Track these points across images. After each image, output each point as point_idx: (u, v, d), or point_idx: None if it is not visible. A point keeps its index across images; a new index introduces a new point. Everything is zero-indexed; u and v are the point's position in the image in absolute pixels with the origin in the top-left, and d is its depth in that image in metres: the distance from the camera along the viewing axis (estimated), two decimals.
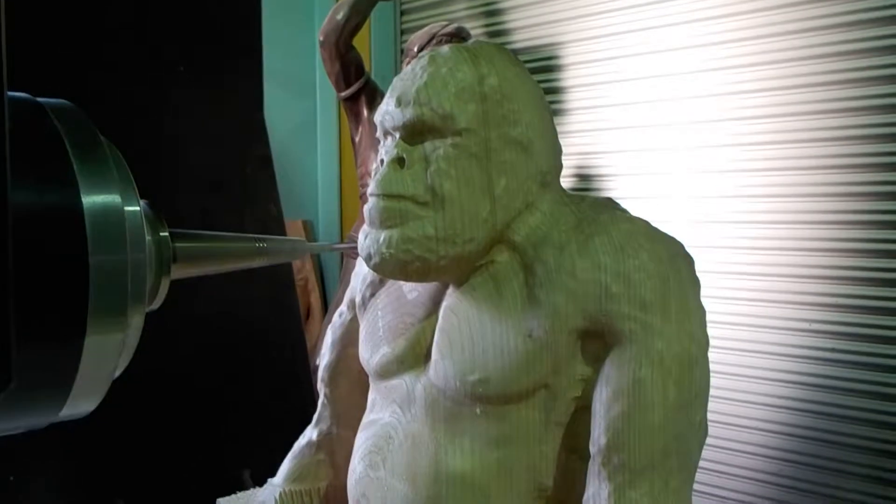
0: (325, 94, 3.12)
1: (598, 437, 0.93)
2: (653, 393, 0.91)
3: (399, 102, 1.00)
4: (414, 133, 1.00)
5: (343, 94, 2.71)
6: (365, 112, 2.72)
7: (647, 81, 2.40)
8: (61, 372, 0.49)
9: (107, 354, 0.51)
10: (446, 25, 2.63)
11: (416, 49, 2.64)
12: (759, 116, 2.19)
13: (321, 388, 1.24)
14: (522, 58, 2.38)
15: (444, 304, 1.04)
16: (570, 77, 2.60)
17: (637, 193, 2.42)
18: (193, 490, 2.06)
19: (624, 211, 1.04)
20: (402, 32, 3.12)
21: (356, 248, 1.02)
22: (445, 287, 1.06)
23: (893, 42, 1.98)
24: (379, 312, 1.11)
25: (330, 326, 1.24)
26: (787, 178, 2.15)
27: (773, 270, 2.18)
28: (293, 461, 1.24)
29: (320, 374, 1.23)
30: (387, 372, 1.07)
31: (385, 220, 0.98)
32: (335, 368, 1.22)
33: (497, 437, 0.98)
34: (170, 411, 2.04)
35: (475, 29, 2.80)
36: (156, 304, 0.62)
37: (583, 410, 0.98)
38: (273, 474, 1.35)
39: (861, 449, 2.07)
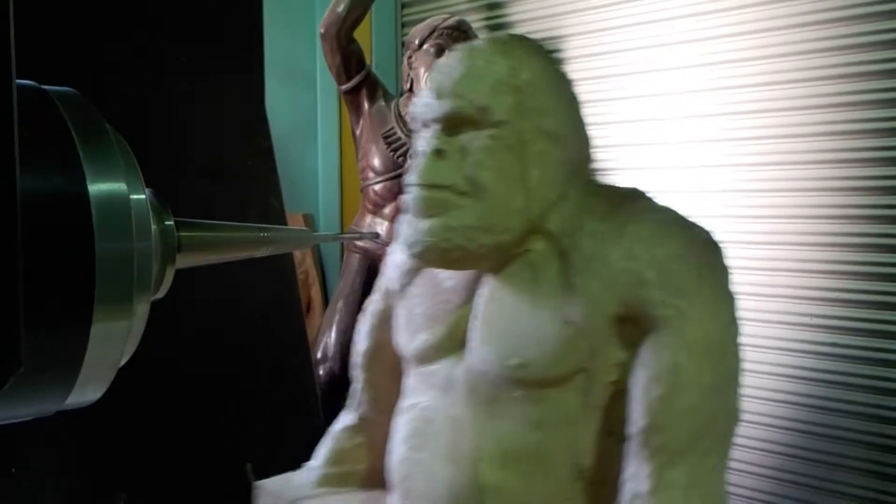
0: (326, 86, 3.11)
1: (636, 419, 0.96)
2: (689, 376, 0.94)
3: (437, 95, 1.03)
4: (452, 125, 1.03)
5: (344, 86, 2.70)
6: (366, 105, 2.72)
7: (647, 76, 2.42)
8: (68, 359, 0.50)
9: (113, 342, 0.51)
10: (447, 18, 2.63)
11: (416, 42, 2.65)
12: (760, 111, 2.20)
13: (358, 373, 1.26)
14: None
15: (481, 292, 1.07)
16: (571, 70, 2.62)
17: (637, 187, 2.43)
18: (195, 483, 2.06)
19: (653, 200, 1.07)
20: (403, 25, 3.11)
21: (360, 237, 1.06)
22: (481, 275, 1.08)
23: (892, 37, 2.00)
24: (415, 300, 1.13)
25: (364, 314, 1.26)
26: (787, 172, 2.17)
27: (772, 265, 2.20)
28: (331, 444, 1.26)
29: (356, 360, 1.25)
30: (425, 357, 1.09)
31: (426, 209, 1.01)
32: (371, 355, 1.25)
33: (537, 420, 1.01)
34: (172, 405, 2.03)
35: (476, 22, 2.80)
36: (161, 294, 0.62)
37: (619, 394, 1.01)
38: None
39: (859, 443, 2.07)
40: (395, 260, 1.20)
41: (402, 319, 1.14)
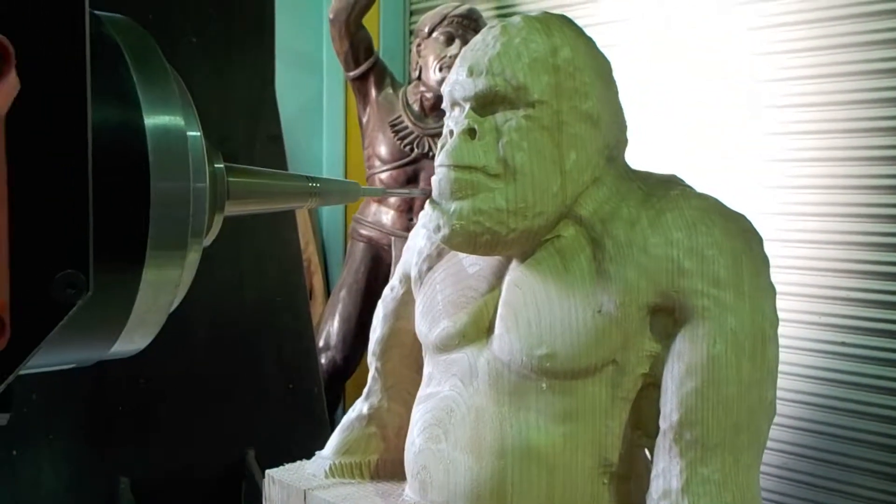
0: (333, 73, 3.08)
1: (669, 412, 0.93)
2: (727, 369, 0.91)
3: (471, 72, 0.99)
4: (485, 104, 0.99)
5: (352, 73, 2.68)
6: (373, 92, 2.69)
7: (652, 66, 2.38)
8: (118, 302, 0.46)
9: (163, 289, 0.48)
10: (458, 6, 2.60)
11: (426, 30, 2.62)
12: (769, 107, 2.18)
13: (372, 361, 1.22)
14: None
15: (507, 279, 1.03)
16: None
17: None
18: (197, 470, 2.03)
19: (691, 187, 1.04)
20: (412, 13, 3.08)
21: (409, 194, 1.03)
22: (508, 261, 1.05)
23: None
24: (437, 286, 1.09)
25: (381, 301, 1.23)
26: (797, 169, 2.14)
27: (783, 262, 2.17)
28: (343, 434, 1.22)
29: (371, 347, 1.22)
30: (447, 346, 1.06)
31: (456, 191, 0.97)
32: (387, 342, 1.21)
33: (563, 412, 0.98)
34: (175, 391, 2.01)
35: (486, 11, 2.77)
36: (207, 241, 0.57)
37: (649, 387, 0.98)
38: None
39: (870, 444, 2.06)
40: (416, 244, 1.16)
41: (423, 306, 1.11)
